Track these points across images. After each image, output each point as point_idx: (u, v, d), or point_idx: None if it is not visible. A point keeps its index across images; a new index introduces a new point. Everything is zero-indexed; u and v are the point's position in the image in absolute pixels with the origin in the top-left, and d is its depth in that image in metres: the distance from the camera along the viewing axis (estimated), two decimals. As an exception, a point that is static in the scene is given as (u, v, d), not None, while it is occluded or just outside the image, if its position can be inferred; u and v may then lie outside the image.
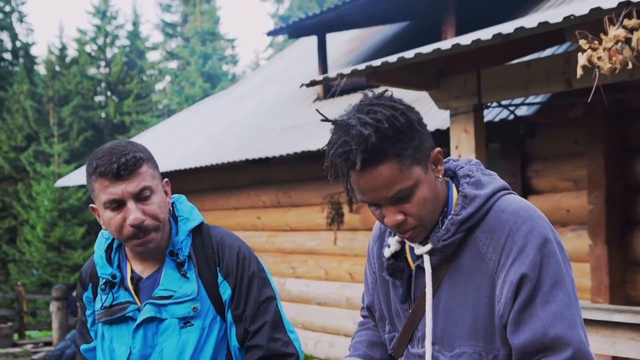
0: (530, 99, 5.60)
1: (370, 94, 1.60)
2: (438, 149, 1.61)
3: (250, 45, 59.04)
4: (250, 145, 8.67)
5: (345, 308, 7.67)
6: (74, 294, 2.19)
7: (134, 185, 1.91)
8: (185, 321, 1.99)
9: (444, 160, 1.70)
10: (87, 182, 1.97)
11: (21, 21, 30.68)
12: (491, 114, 5.89)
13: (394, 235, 1.73)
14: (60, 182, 13.02)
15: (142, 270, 2.04)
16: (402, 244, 1.73)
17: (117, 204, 1.91)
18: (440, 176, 1.62)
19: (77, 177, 12.64)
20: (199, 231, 2.09)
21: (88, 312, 2.11)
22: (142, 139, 13.06)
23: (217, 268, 2.04)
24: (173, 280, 2.00)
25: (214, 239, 2.08)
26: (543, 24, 3.41)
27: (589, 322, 4.41)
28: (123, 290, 2.02)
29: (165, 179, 2.06)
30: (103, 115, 28.84)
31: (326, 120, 1.58)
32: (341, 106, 6.30)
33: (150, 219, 1.93)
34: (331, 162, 1.55)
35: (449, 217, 1.62)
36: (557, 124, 5.82)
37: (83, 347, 2.15)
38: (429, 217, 1.60)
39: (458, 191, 1.65)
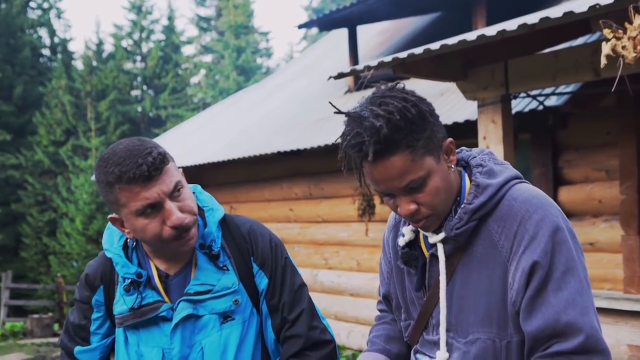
0: (560, 89, 5.56)
1: (383, 86, 1.63)
2: (450, 139, 1.64)
3: (285, 38, 59.22)
4: (283, 138, 8.74)
5: (377, 299, 7.70)
6: (76, 296, 2.02)
7: (167, 183, 1.75)
8: (225, 316, 1.89)
9: (457, 150, 1.73)
10: (106, 194, 1.77)
11: (59, 17, 31.20)
12: (521, 104, 5.86)
13: (408, 225, 1.76)
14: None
15: (168, 267, 1.91)
16: (416, 232, 1.77)
17: (153, 208, 1.75)
18: (452, 166, 1.65)
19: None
20: (224, 221, 1.99)
21: (95, 316, 1.97)
22: (176, 132, 13.24)
23: (251, 258, 1.96)
24: (209, 273, 1.89)
25: (242, 228, 2.00)
26: (568, 14, 3.40)
27: (619, 313, 4.39)
28: (150, 290, 1.88)
29: (179, 168, 1.89)
30: (139, 109, 29.17)
31: (339, 112, 1.63)
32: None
33: (188, 215, 1.79)
34: (344, 153, 1.59)
35: (462, 206, 1.65)
36: (589, 113, 5.77)
37: (78, 348, 1.99)
38: (441, 207, 1.62)
39: (471, 180, 1.68)
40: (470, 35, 4.02)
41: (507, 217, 1.61)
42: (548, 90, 5.53)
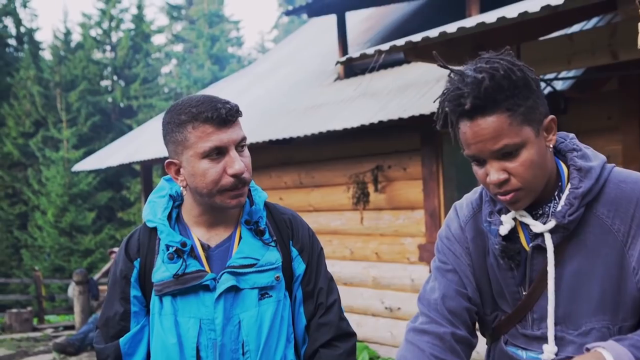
0: (563, 74, 5.54)
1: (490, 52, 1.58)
2: (552, 116, 1.58)
3: (255, 26, 58.78)
4: (271, 126, 8.62)
5: (372, 287, 7.65)
6: (110, 274, 1.98)
7: (237, 133, 1.84)
8: (263, 292, 1.91)
9: None
10: (176, 133, 1.82)
11: (25, 7, 30.55)
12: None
13: (507, 213, 1.66)
14: (76, 167, 12.98)
15: (209, 238, 1.94)
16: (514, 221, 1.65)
17: (219, 152, 1.80)
18: (550, 145, 1.58)
19: (93, 161, 12.60)
20: (266, 205, 2.05)
21: (134, 293, 1.93)
22: (154, 123, 13.02)
23: (291, 242, 2.00)
24: (255, 248, 1.92)
25: (285, 213, 2.07)
26: (598, -6, 3.35)
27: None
28: (192, 259, 1.89)
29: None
30: (110, 99, 28.76)
31: (444, 67, 1.59)
32: (362, 85, 6.28)
33: (248, 171, 1.85)
34: (441, 109, 1.55)
35: (568, 191, 1.58)
36: (588, 98, 5.76)
37: (124, 338, 1.92)
38: (533, 183, 1.54)
39: (568, 166, 1.62)
40: (489, 17, 3.94)
41: (620, 200, 1.55)
42: (551, 75, 5.50)
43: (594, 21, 5.32)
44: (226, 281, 1.86)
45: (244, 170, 1.82)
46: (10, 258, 25.06)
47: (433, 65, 6.09)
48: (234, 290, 1.88)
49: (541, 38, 4.75)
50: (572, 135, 1.71)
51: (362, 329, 7.69)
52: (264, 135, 8.29)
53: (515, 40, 4.56)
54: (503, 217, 1.65)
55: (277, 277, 1.92)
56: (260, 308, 1.90)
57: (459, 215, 1.79)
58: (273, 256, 1.93)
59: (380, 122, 6.69)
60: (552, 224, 1.57)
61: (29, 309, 13.25)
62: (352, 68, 8.73)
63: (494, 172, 1.52)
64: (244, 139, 1.86)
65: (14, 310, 13.15)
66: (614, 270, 1.55)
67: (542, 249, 1.61)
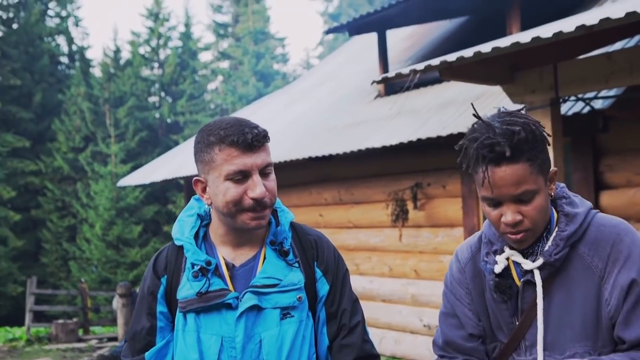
0: (603, 93, 5.50)
1: (502, 109, 1.79)
2: (555, 169, 1.80)
3: (300, 43, 59.24)
4: (312, 143, 8.70)
5: (410, 305, 7.64)
6: (139, 290, 2.09)
7: (262, 158, 1.87)
8: (285, 312, 1.93)
9: None
10: (203, 154, 1.89)
11: (77, 25, 31.42)
12: (563, 108, 5.80)
13: (501, 254, 1.86)
14: (122, 182, 13.25)
15: (234, 258, 1.97)
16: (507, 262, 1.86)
17: (242, 176, 1.85)
18: (553, 194, 1.82)
19: (139, 176, 12.85)
20: (292, 225, 2.07)
21: (160, 309, 1.99)
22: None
23: (315, 263, 2.02)
24: (278, 268, 1.95)
25: (310, 234, 2.08)
26: (631, 14, 3.34)
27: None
28: (217, 278, 1.92)
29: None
30: (157, 115, 29.28)
31: (477, 117, 1.77)
32: (402, 103, 6.32)
33: (270, 196, 1.89)
34: (473, 154, 1.73)
35: (556, 233, 1.79)
36: (630, 117, 5.69)
37: (149, 352, 1.98)
38: (539, 225, 1.76)
39: (557, 211, 1.84)
40: (524, 37, 3.95)
41: (599, 241, 1.77)
42: (591, 94, 5.47)
43: (636, 39, 5.28)
44: (248, 300, 1.89)
45: (265, 196, 1.85)
46: (59, 270, 25.62)
47: (471, 84, 6.10)
48: (256, 309, 1.90)
49: (580, 57, 4.73)
50: (562, 184, 1.91)
51: (400, 346, 7.68)
52: (304, 152, 8.37)
53: (551, 59, 4.56)
54: (497, 257, 1.85)
55: (299, 297, 1.95)
56: (281, 328, 1.92)
57: (460, 259, 2.01)
58: (296, 277, 1.96)
59: (419, 140, 6.71)
60: (540, 261, 1.78)
61: (75, 320, 13.53)
62: (392, 86, 8.77)
63: (510, 214, 1.72)
64: (269, 164, 1.89)
65: (60, 321, 13.44)
66: (593, 301, 1.75)
67: (531, 284, 1.81)
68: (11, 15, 28.14)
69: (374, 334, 8.04)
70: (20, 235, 25.59)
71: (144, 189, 24.71)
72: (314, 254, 2.03)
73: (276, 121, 11.07)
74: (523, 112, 1.77)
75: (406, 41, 10.79)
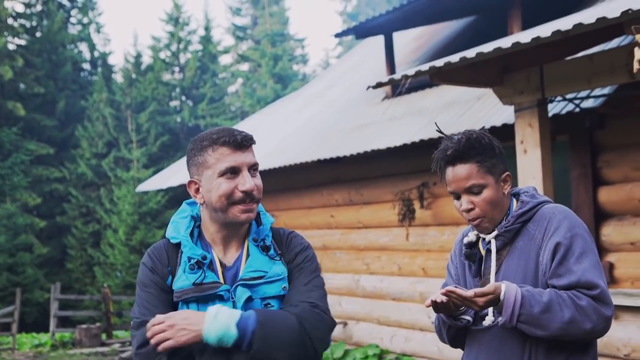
0: (596, 92, 5.60)
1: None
2: (508, 172, 2.32)
3: (320, 44, 59.35)
4: (322, 145, 8.86)
5: (419, 302, 7.77)
6: (139, 283, 2.22)
7: (250, 157, 2.13)
8: (266, 303, 2.12)
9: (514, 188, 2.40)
10: (197, 156, 2.12)
11: (98, 32, 31.91)
12: (558, 107, 5.91)
13: (472, 231, 2.39)
14: (141, 188, 13.51)
15: (223, 257, 2.18)
16: (477, 237, 2.36)
17: (233, 172, 2.09)
18: (505, 192, 2.31)
19: (157, 182, 13.10)
20: (271, 228, 2.29)
21: (166, 296, 2.14)
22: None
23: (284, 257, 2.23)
24: (262, 262, 2.15)
25: (285, 232, 2.30)
26: (601, 20, 3.47)
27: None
28: (210, 272, 2.12)
29: None
30: (178, 119, 29.63)
31: (441, 133, 2.36)
32: (408, 104, 6.48)
33: (257, 190, 2.12)
34: (437, 158, 2.29)
35: (510, 214, 2.31)
36: (626, 113, 5.79)
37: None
38: (490, 214, 2.27)
39: (518, 201, 2.35)
40: (506, 42, 4.10)
41: (541, 218, 2.25)
42: (584, 93, 5.57)
43: (617, 41, 5.38)
44: (242, 294, 2.11)
45: (254, 188, 2.10)
46: (85, 275, 26.03)
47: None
48: (249, 300, 2.11)
49: (567, 58, 4.85)
50: (534, 187, 2.43)
51: (410, 343, 7.82)
52: (313, 155, 8.54)
53: (539, 60, 4.69)
54: (469, 234, 2.40)
55: (284, 287, 2.15)
56: None
57: (456, 239, 2.56)
58: (279, 269, 2.16)
59: (422, 141, 6.85)
60: (495, 233, 2.30)
61: (98, 324, 13.80)
62: (399, 87, 8.89)
63: (464, 203, 2.27)
64: (256, 164, 2.15)
65: (84, 325, 13.72)
66: (532, 264, 2.22)
67: (491, 252, 2.30)
68: (34, 23, 28.65)
69: (385, 332, 8.21)
70: (46, 242, 26.04)
71: (166, 193, 25.04)
72: (284, 250, 2.24)
73: (288, 124, 11.26)
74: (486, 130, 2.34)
75: (414, 42, 10.91)
